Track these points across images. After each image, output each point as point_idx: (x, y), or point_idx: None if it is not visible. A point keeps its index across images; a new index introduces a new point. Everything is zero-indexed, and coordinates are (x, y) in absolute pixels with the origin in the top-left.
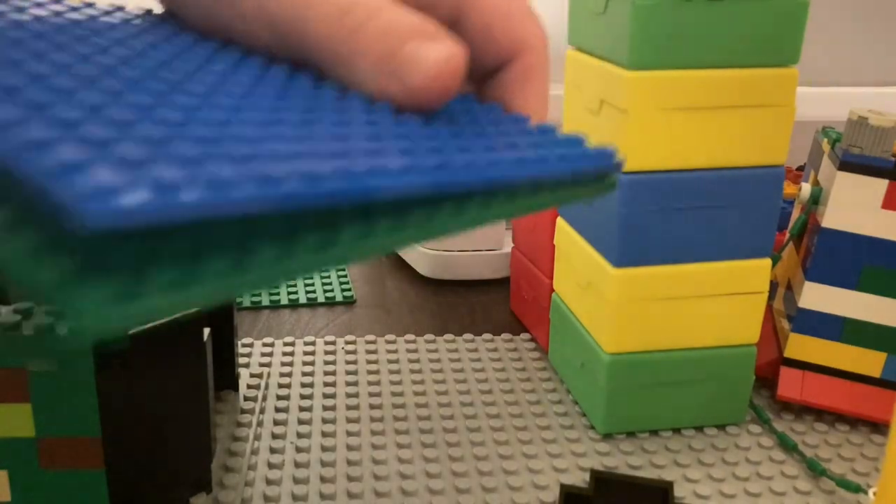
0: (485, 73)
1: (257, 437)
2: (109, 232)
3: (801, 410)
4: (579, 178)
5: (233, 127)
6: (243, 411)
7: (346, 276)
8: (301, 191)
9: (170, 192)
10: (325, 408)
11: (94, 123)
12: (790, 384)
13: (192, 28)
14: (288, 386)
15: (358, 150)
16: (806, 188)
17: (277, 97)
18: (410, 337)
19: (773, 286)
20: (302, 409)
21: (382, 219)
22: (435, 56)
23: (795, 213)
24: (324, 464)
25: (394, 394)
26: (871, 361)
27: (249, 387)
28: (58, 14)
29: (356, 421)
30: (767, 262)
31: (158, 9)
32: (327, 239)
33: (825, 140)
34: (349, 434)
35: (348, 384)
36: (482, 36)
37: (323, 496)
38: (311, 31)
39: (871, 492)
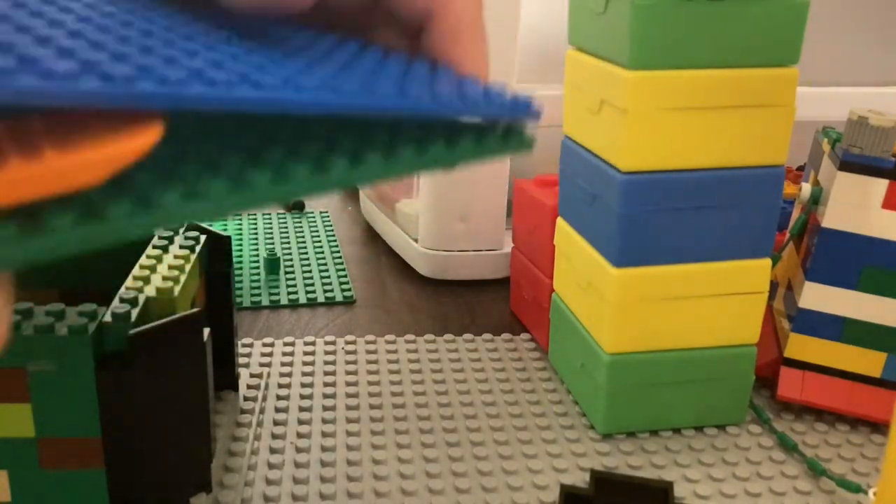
0: (414, 30)
1: (257, 437)
2: None
3: (801, 410)
4: (481, 127)
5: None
6: (243, 411)
7: (346, 276)
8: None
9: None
10: (325, 408)
11: None
12: (790, 384)
13: None
14: (288, 386)
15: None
16: (806, 188)
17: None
18: (410, 337)
19: (773, 286)
20: (302, 409)
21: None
22: None
23: (795, 213)
24: (324, 464)
25: (394, 394)
26: (871, 361)
27: (249, 387)
28: None
29: (356, 421)
30: (767, 262)
31: None
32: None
33: (825, 140)
34: (349, 434)
35: (348, 384)
36: None
37: (323, 496)
38: None
39: (871, 492)
